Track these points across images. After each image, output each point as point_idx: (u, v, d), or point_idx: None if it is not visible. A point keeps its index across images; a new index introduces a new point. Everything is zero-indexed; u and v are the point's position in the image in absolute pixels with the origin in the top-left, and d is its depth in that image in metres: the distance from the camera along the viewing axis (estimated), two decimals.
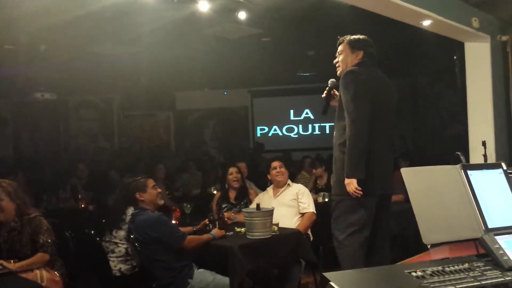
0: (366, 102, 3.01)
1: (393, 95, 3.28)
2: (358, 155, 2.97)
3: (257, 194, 4.88)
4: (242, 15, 5.45)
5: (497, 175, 1.77)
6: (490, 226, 1.61)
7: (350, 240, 3.03)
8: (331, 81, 3.34)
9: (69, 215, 5.33)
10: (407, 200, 5.35)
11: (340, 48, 3.31)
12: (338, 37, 3.34)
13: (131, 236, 3.48)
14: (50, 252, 3.18)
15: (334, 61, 3.35)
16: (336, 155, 3.16)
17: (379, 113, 3.08)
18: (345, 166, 3.00)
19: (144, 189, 3.59)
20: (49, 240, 3.18)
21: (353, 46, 3.25)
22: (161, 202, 3.70)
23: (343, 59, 3.27)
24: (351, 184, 2.96)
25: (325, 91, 3.35)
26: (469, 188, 1.65)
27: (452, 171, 1.70)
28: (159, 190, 3.69)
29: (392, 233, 4.54)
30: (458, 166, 1.69)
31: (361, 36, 3.29)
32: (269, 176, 4.68)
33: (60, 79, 8.39)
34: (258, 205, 3.81)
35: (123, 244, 3.76)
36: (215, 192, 6.18)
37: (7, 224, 3.19)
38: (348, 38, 3.29)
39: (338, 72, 3.28)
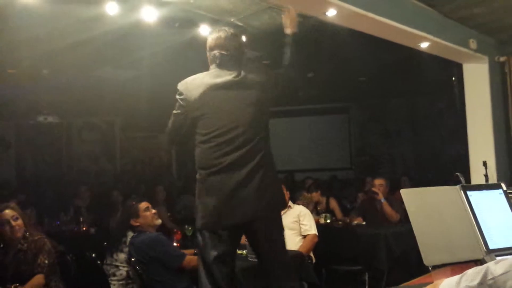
0: None
1: None
2: None
3: None
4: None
5: (497, 195, 1.78)
6: (491, 247, 1.61)
7: None
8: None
9: (71, 238, 5.30)
10: (401, 220, 5.29)
11: None
12: None
13: (132, 259, 3.47)
14: (45, 273, 3.15)
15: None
16: None
17: None
18: None
19: (136, 214, 3.60)
20: (46, 261, 3.17)
21: None
22: (158, 221, 3.68)
23: None
24: None
25: None
26: (469, 209, 1.66)
27: (452, 192, 1.70)
28: (153, 211, 3.67)
29: (394, 254, 4.53)
30: (458, 187, 1.70)
31: None
32: None
33: (62, 102, 8.46)
34: None
35: (124, 267, 3.74)
36: None
37: (14, 247, 3.22)
38: None
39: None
